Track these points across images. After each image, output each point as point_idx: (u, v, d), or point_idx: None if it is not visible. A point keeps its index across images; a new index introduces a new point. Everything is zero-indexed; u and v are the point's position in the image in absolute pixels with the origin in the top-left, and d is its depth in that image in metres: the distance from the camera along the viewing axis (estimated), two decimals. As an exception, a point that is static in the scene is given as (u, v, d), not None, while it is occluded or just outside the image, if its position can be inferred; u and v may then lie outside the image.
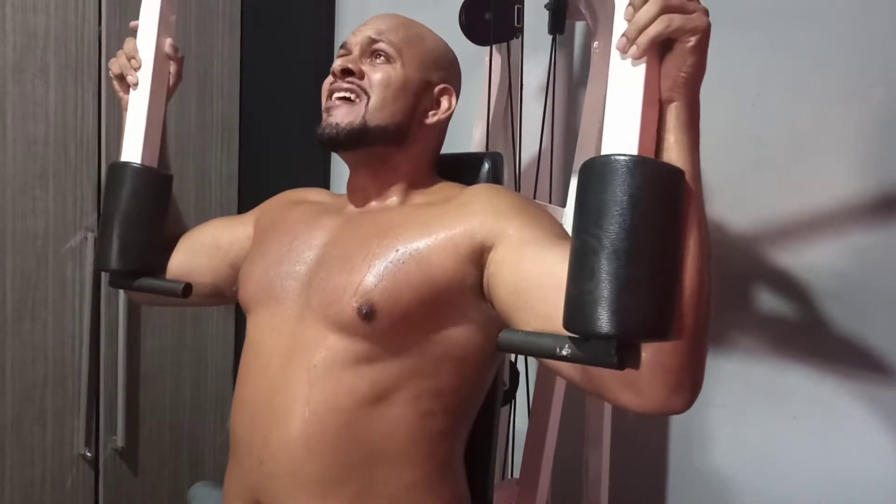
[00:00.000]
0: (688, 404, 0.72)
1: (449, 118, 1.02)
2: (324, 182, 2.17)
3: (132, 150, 1.05)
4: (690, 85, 0.69)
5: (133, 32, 1.09)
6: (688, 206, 0.67)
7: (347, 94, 0.95)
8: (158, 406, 1.89)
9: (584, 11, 1.48)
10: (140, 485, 1.85)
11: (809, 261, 1.42)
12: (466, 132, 1.54)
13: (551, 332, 0.70)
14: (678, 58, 0.68)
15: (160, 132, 1.09)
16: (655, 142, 0.69)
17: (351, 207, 1.01)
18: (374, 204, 0.99)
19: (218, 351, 2.00)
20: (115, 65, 1.08)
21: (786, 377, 1.45)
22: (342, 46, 1.00)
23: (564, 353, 0.67)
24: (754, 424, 1.50)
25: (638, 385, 0.71)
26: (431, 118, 0.99)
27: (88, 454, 1.73)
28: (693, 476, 1.59)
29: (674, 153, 0.68)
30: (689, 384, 0.71)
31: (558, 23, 1.52)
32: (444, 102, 1.00)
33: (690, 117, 0.69)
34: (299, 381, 0.90)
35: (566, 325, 0.65)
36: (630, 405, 0.74)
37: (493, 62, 1.52)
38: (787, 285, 1.45)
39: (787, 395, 1.46)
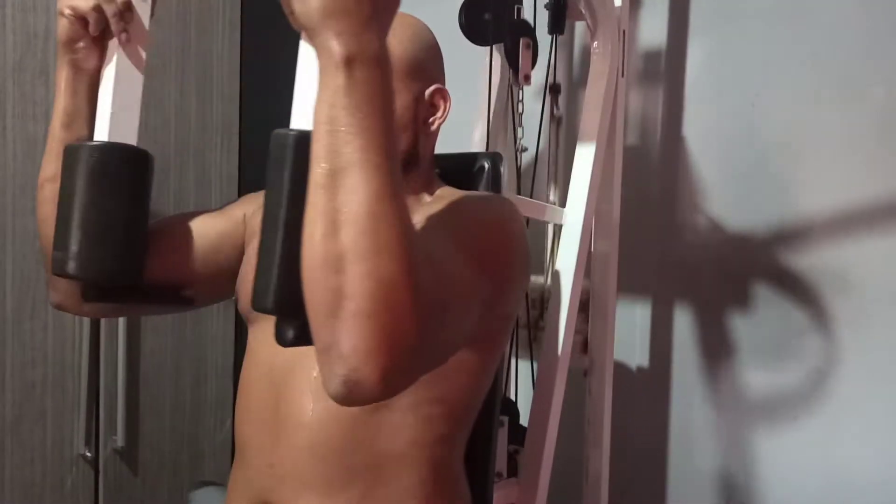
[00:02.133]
0: (341, 396, 0.61)
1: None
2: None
3: (119, 127, 0.88)
4: (313, 24, 0.61)
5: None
6: (305, 170, 0.60)
7: None
8: (158, 406, 1.88)
9: (583, 11, 1.48)
10: (140, 485, 1.85)
11: (809, 260, 1.42)
12: (466, 132, 1.54)
13: None
14: None
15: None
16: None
17: None
18: None
19: (218, 351, 2.00)
20: (95, 8, 0.86)
21: (786, 377, 1.45)
22: None
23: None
24: (754, 424, 1.50)
25: None
26: (433, 125, 0.98)
27: (88, 454, 1.73)
28: (693, 476, 1.59)
29: (318, 108, 0.61)
30: (337, 372, 0.60)
31: (558, 23, 1.52)
32: (440, 104, 0.97)
33: (327, 64, 0.60)
34: (302, 389, 0.91)
35: None
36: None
37: (492, 63, 1.52)
38: (786, 285, 1.45)
39: (787, 395, 1.46)
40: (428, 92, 0.96)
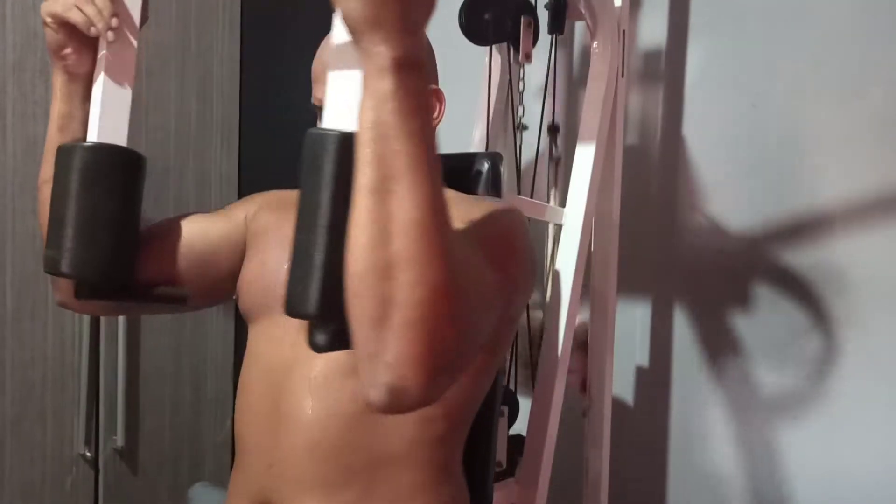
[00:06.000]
0: (384, 405, 0.61)
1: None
2: (324, 182, 2.17)
3: (110, 128, 0.89)
4: (360, 28, 0.58)
5: None
6: (347, 172, 0.59)
7: None
8: (158, 406, 1.88)
9: (583, 11, 1.49)
10: (140, 484, 1.85)
11: (809, 260, 1.43)
12: (466, 132, 1.54)
13: None
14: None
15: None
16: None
17: None
18: None
19: (218, 350, 2.00)
20: (75, 11, 0.85)
21: (786, 377, 1.45)
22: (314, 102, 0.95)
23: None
24: (754, 424, 1.50)
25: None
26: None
27: (88, 454, 1.73)
28: (693, 476, 1.59)
29: (364, 112, 0.59)
30: (381, 380, 0.59)
31: (558, 23, 1.52)
32: (436, 105, 0.96)
33: (374, 68, 0.58)
34: (301, 390, 0.91)
35: None
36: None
37: (492, 62, 1.52)
38: (786, 285, 1.45)
39: (787, 395, 1.46)
40: None
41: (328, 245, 0.60)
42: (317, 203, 0.61)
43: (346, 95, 0.63)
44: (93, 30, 0.86)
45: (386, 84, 0.58)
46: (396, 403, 0.61)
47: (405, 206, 0.58)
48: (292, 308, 0.62)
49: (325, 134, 0.62)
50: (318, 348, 0.64)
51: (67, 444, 1.72)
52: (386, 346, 0.59)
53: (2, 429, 1.61)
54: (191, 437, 1.95)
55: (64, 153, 0.88)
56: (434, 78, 0.97)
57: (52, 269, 0.86)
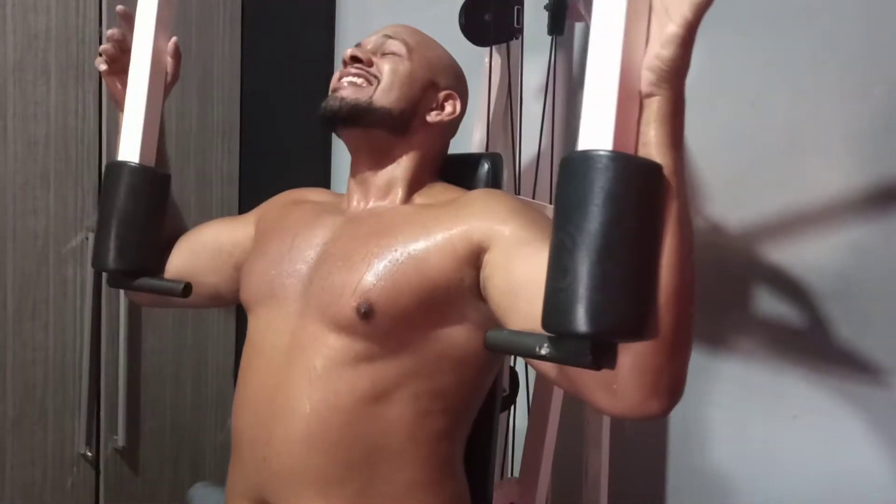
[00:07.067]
0: (665, 408, 0.69)
1: (452, 123, 1.04)
2: (324, 183, 2.17)
3: (130, 148, 1.03)
4: (673, 78, 0.65)
5: (119, 23, 1.08)
6: (666, 202, 0.64)
7: (355, 80, 0.97)
8: (159, 406, 1.89)
9: (583, 12, 1.49)
10: (141, 484, 1.85)
11: (809, 261, 1.42)
12: (466, 133, 1.54)
13: (537, 332, 0.67)
14: (661, 48, 0.64)
15: (157, 131, 1.07)
16: (635, 136, 0.65)
17: (353, 206, 1.01)
18: (374, 203, 1.00)
19: (219, 351, 2.00)
20: (102, 62, 1.08)
21: (786, 377, 1.45)
22: (357, 45, 1.03)
23: (543, 352, 0.65)
24: (754, 424, 1.50)
25: (614, 386, 0.69)
26: (434, 117, 1.01)
27: (89, 454, 1.73)
28: (693, 476, 1.59)
29: (653, 148, 0.64)
30: (667, 387, 0.68)
31: (558, 24, 1.52)
32: (449, 107, 1.02)
33: (672, 111, 0.65)
34: (300, 380, 0.91)
35: (543, 324, 0.63)
36: (606, 407, 0.71)
37: (492, 63, 1.52)
38: (786, 285, 1.45)
39: (787, 395, 1.46)
40: (444, 91, 1.02)
41: (607, 266, 0.60)
42: (598, 224, 0.61)
43: (630, 120, 0.65)
44: (102, 67, 1.07)
45: (680, 122, 0.66)
46: (669, 409, 0.69)
47: (692, 238, 0.66)
48: (559, 326, 0.62)
49: (634, 160, 0.63)
50: (594, 365, 0.63)
51: (68, 443, 1.72)
52: (675, 357, 0.68)
53: (3, 429, 1.62)
54: (192, 437, 1.96)
55: (108, 169, 1.05)
56: (461, 99, 1.06)
57: (101, 265, 1.04)
